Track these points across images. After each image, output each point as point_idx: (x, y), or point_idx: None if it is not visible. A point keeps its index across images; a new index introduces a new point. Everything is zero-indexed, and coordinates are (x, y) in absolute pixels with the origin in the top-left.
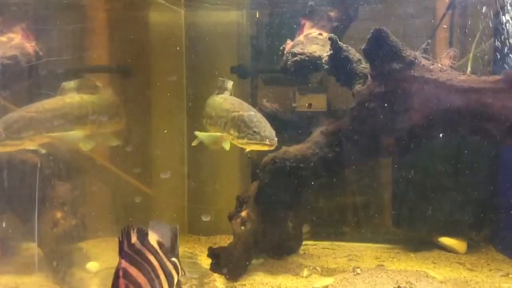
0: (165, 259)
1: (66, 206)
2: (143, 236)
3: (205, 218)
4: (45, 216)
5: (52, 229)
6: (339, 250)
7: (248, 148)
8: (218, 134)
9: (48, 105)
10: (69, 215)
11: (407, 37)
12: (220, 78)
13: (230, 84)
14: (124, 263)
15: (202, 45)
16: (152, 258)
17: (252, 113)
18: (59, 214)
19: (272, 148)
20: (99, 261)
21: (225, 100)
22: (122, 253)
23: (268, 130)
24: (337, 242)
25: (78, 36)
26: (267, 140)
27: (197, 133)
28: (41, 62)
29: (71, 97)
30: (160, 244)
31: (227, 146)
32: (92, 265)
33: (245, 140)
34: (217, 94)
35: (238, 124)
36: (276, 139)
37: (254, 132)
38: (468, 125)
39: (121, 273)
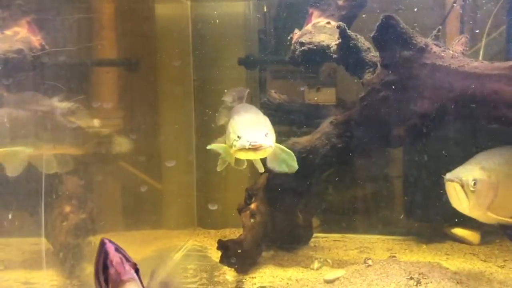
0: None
1: (75, 200)
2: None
3: (212, 207)
4: (54, 210)
5: (61, 223)
6: (350, 242)
7: (240, 157)
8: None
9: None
10: (79, 209)
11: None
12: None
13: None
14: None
15: (209, 36)
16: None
17: (247, 115)
18: (68, 208)
19: (259, 152)
20: None
21: (233, 109)
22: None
23: (256, 132)
24: (348, 234)
25: (84, 29)
26: (248, 143)
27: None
28: (47, 56)
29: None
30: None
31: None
32: None
33: (233, 149)
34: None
35: (229, 132)
36: (263, 142)
37: (238, 137)
38: (481, 112)
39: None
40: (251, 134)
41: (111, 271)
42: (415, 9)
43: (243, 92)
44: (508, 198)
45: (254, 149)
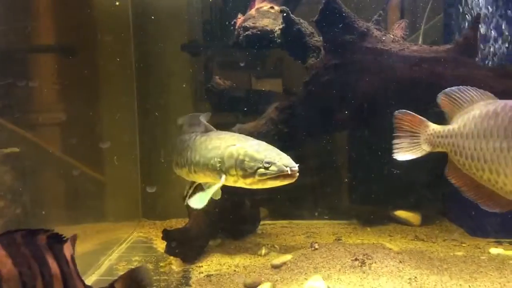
0: (74, 274)
1: (9, 194)
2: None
3: (150, 190)
4: None
5: None
6: (297, 228)
7: (263, 187)
8: (218, 185)
9: None
10: (13, 204)
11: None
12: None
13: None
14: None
15: (150, 23)
16: (52, 264)
17: (254, 141)
18: (1, 203)
19: (294, 179)
20: None
21: (209, 137)
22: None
23: (284, 156)
24: (295, 220)
25: (16, 10)
26: (288, 169)
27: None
28: None
29: None
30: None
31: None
32: None
33: (256, 178)
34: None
35: (240, 160)
36: (297, 165)
37: (267, 163)
38: (421, 95)
39: None
40: (286, 159)
41: None
42: None
43: (200, 118)
44: None
45: (292, 175)
